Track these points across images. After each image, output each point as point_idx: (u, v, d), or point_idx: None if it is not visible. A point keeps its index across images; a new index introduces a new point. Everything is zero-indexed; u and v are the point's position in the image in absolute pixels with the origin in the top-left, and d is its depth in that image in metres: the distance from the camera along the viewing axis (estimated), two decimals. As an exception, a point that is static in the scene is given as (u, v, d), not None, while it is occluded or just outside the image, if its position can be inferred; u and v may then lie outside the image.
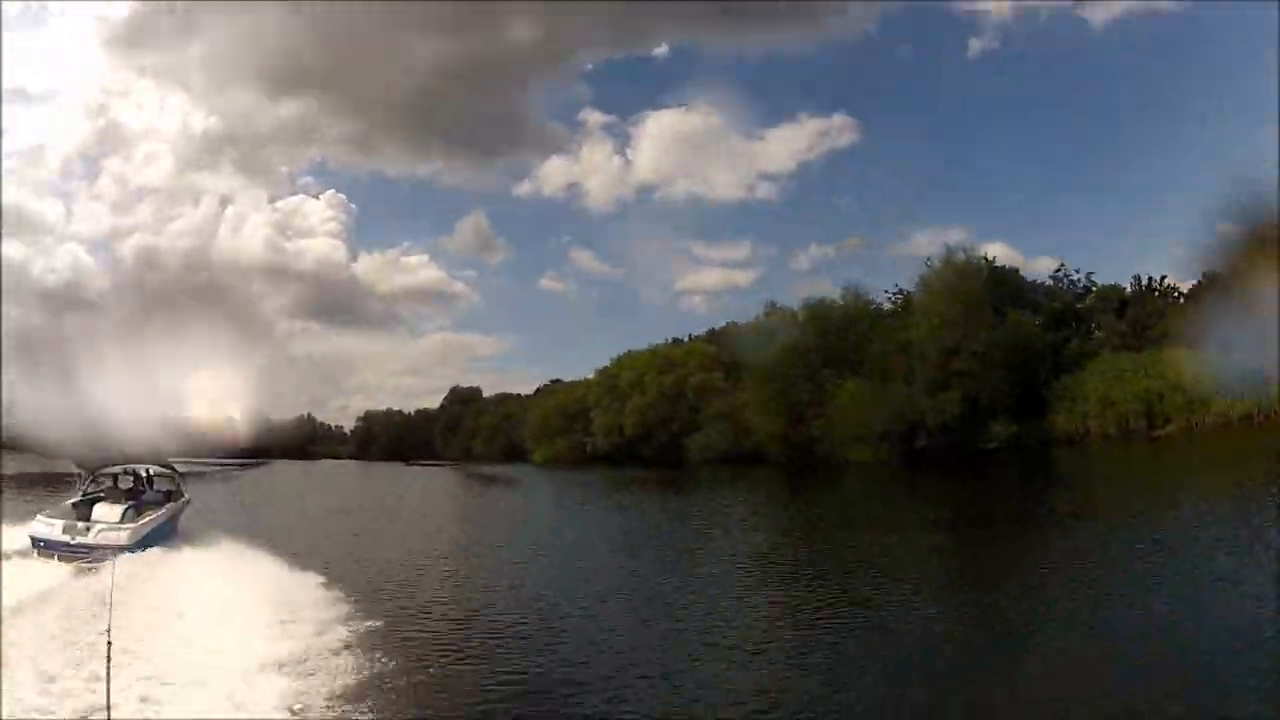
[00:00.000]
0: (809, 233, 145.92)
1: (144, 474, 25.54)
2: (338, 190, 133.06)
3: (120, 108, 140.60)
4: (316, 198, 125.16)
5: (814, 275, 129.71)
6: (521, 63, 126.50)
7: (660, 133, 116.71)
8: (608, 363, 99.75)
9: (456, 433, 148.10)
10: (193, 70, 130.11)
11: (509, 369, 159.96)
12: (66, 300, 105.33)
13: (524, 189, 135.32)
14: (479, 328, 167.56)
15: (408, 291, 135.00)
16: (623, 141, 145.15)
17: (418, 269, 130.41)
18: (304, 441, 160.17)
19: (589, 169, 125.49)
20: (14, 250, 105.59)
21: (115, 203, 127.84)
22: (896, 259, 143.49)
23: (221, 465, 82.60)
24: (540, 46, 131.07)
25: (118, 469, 25.23)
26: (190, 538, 24.29)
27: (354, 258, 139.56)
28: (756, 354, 74.29)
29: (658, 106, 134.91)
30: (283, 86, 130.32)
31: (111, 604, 9.59)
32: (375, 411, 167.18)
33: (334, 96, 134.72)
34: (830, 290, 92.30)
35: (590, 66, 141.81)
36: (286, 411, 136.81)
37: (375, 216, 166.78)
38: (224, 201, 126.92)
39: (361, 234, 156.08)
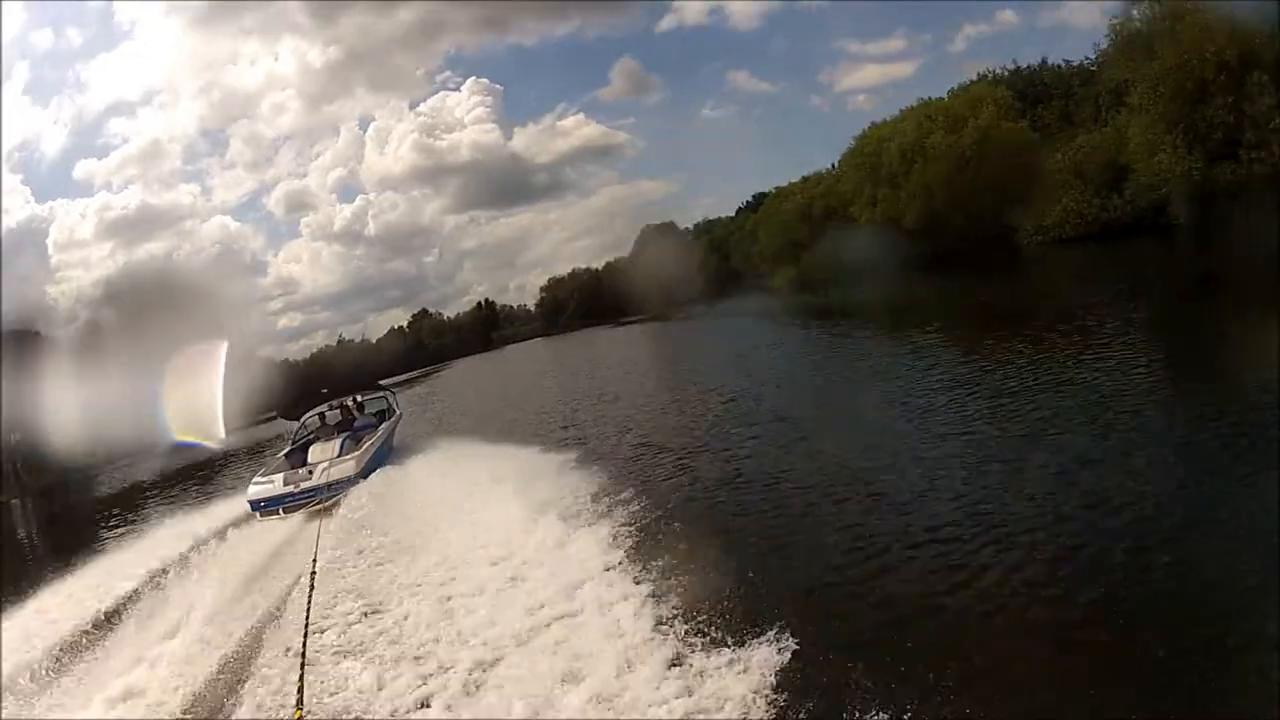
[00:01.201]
0: (959, 11, 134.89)
1: (351, 403, 25.53)
2: (478, 76, 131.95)
3: (232, 75, 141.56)
4: (458, 89, 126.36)
5: (975, 56, 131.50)
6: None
7: None
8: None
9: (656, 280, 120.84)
10: (295, 13, 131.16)
11: (686, 207, 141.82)
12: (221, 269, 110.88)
13: (667, 23, 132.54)
14: (647, 173, 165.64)
15: (569, 154, 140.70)
16: None
17: (575, 129, 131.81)
18: (485, 332, 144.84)
19: None
20: (155, 248, 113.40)
21: (252, 162, 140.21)
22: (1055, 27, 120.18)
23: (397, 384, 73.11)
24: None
25: (322, 407, 25.18)
26: (408, 450, 23.67)
27: (509, 136, 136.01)
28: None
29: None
30: None
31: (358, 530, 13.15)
32: (558, 276, 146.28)
33: None
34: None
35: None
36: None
37: (523, 90, 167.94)
38: (365, 122, 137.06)
39: (513, 110, 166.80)
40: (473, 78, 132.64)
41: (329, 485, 18.78)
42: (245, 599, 11.99)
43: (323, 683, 8.45)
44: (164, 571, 14.22)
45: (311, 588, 10.32)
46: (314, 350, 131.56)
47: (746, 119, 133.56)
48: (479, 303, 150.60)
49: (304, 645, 8.38)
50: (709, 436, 19.05)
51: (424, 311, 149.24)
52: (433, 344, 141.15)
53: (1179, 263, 33.57)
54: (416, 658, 8.71)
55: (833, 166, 79.42)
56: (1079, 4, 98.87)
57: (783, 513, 12.32)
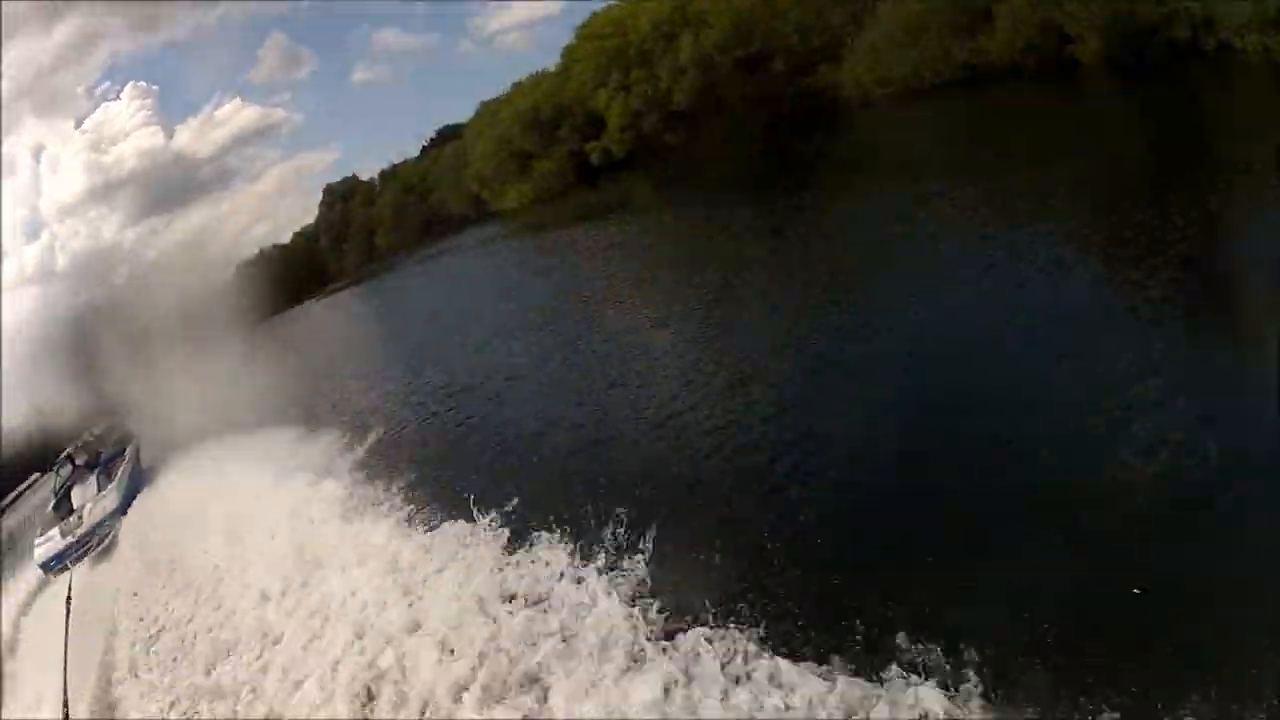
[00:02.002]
0: None
1: (90, 438, 26.05)
2: (136, 79, 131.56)
3: None
4: (118, 97, 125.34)
5: None
6: None
7: None
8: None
9: (349, 239, 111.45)
10: None
11: (357, 169, 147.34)
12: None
13: None
14: (310, 145, 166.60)
15: (230, 141, 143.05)
16: None
17: (233, 115, 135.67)
18: None
19: None
20: None
21: None
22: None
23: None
24: None
25: (68, 451, 25.40)
26: (161, 467, 23.77)
27: (170, 136, 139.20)
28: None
29: None
30: (49, 13, 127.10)
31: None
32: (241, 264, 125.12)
33: None
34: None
35: None
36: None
37: (181, 86, 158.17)
38: (38, 152, 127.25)
39: (175, 107, 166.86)
40: (130, 83, 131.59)
41: (99, 524, 18.81)
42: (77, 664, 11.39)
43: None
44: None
45: (66, 652, 10.62)
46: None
47: (400, 76, 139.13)
48: None
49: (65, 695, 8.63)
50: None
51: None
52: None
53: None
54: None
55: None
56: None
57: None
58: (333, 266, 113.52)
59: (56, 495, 22.90)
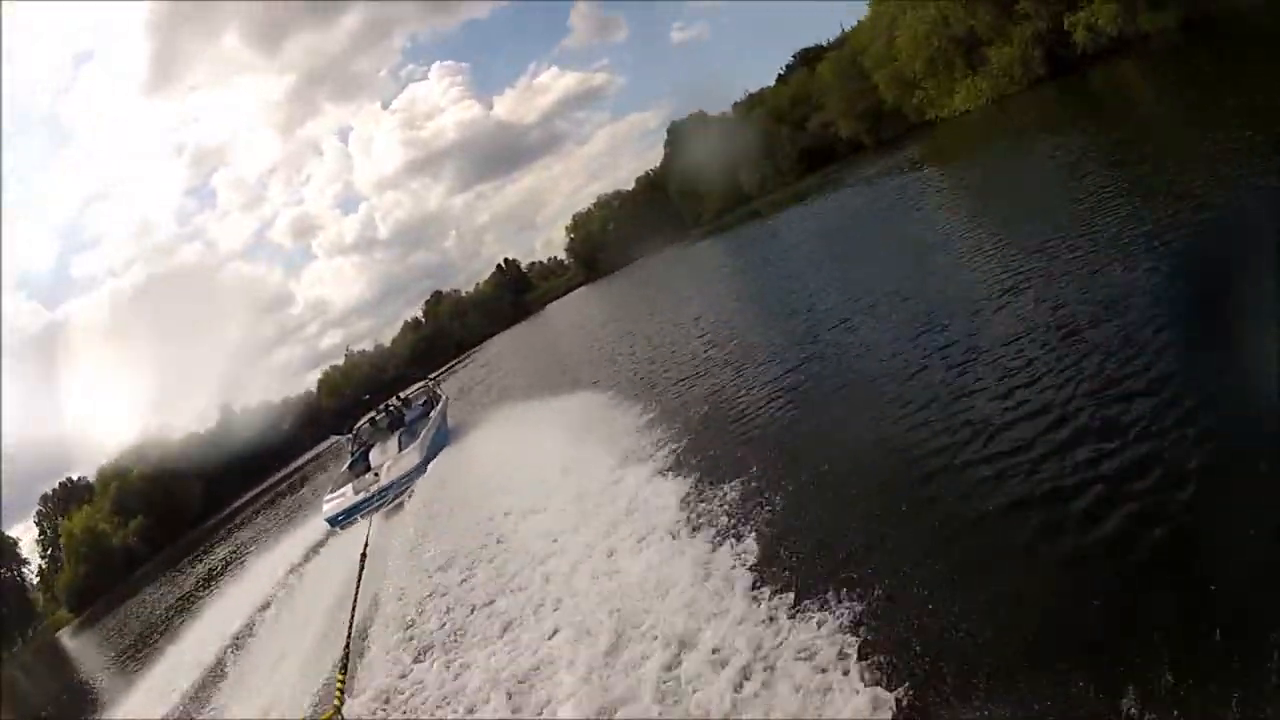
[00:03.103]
0: None
1: (397, 401, 26.22)
2: (441, 59, 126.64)
3: (198, 131, 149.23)
4: (425, 78, 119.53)
5: None
6: None
7: None
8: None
9: (704, 181, 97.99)
10: (239, 53, 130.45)
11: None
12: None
13: None
14: (637, 106, 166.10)
15: (554, 107, 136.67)
16: None
17: (552, 83, 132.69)
18: (514, 298, 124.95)
19: None
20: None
21: (244, 204, 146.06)
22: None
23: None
24: None
25: (371, 415, 25.59)
26: (466, 429, 24.33)
27: (489, 107, 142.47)
28: None
29: None
30: (329, 3, 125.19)
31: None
32: (582, 211, 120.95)
33: None
34: None
35: None
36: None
37: (490, 62, 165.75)
38: (344, 133, 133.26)
39: (486, 82, 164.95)
40: (437, 63, 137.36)
41: (396, 482, 19.04)
42: (339, 614, 11.18)
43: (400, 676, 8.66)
44: (266, 606, 14.80)
45: (357, 590, 10.51)
46: (322, 374, 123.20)
47: (719, 28, 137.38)
48: (498, 265, 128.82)
49: (346, 647, 8.22)
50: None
51: (436, 294, 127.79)
52: (456, 329, 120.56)
53: None
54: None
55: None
56: None
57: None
58: (689, 212, 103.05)
59: (354, 455, 22.99)
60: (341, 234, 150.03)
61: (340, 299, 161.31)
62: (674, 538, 8.69)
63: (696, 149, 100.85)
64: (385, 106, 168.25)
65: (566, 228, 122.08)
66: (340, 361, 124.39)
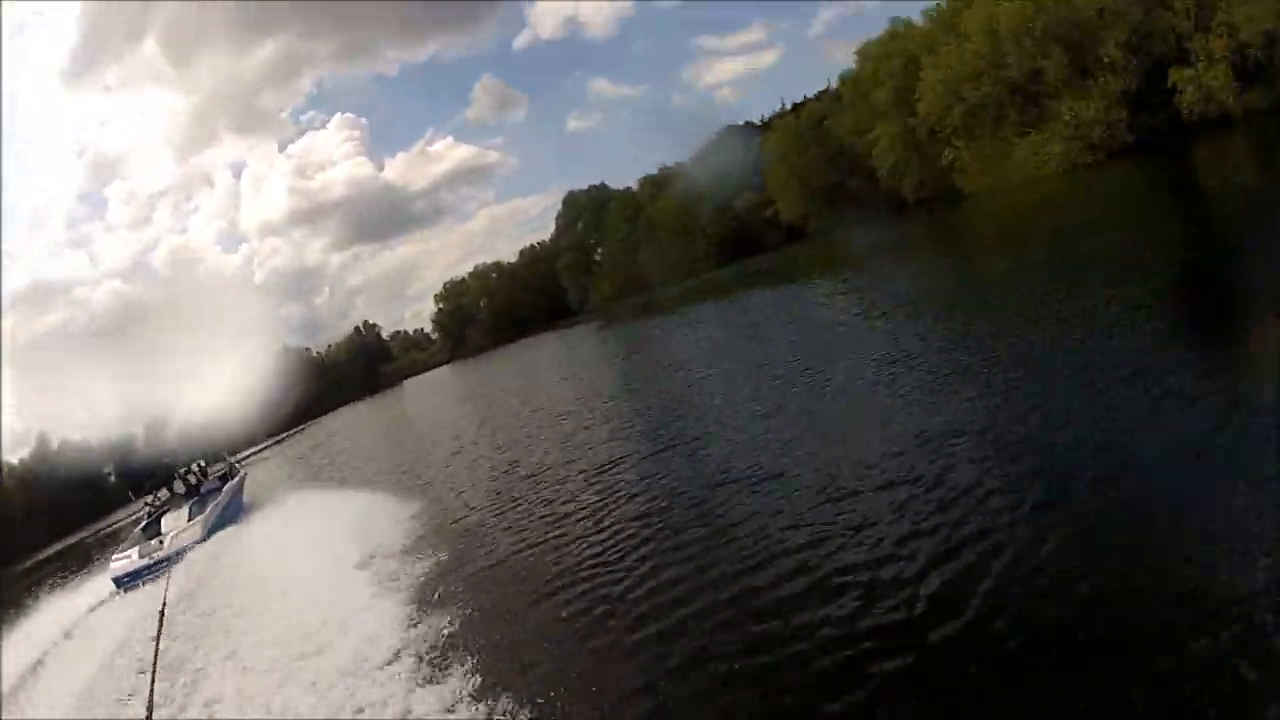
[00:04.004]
0: None
1: (195, 471, 26.04)
2: (343, 111, 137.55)
3: (100, 135, 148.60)
4: (325, 127, 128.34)
5: (837, 36, 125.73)
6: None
7: None
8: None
9: (593, 263, 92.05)
10: (155, 62, 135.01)
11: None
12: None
13: (524, 39, 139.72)
14: (521, 190, 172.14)
15: (444, 178, 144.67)
16: None
17: (446, 153, 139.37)
18: (369, 366, 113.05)
19: None
20: (54, 318, 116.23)
21: (133, 222, 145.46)
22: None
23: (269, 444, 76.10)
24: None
25: (168, 480, 25.92)
26: (260, 506, 24.81)
27: (380, 167, 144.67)
28: None
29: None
30: (253, 30, 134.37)
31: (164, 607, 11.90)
32: (456, 279, 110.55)
33: (307, 18, 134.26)
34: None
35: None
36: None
37: (390, 120, 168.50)
38: (237, 169, 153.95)
39: (382, 141, 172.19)
40: (339, 114, 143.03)
41: (178, 552, 19.24)
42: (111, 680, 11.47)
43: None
44: (40, 662, 14.44)
45: (156, 647, 10.55)
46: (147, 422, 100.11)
47: (613, 124, 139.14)
48: (356, 327, 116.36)
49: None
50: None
51: (284, 350, 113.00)
52: (299, 392, 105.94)
53: None
54: None
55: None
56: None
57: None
58: (575, 294, 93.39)
59: (149, 518, 23.17)
60: (219, 272, 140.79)
61: None
62: (354, 676, 8.65)
63: (591, 224, 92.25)
64: (281, 149, 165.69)
65: (436, 296, 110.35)
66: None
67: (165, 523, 21.94)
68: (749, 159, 69.35)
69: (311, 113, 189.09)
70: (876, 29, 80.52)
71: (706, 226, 73.45)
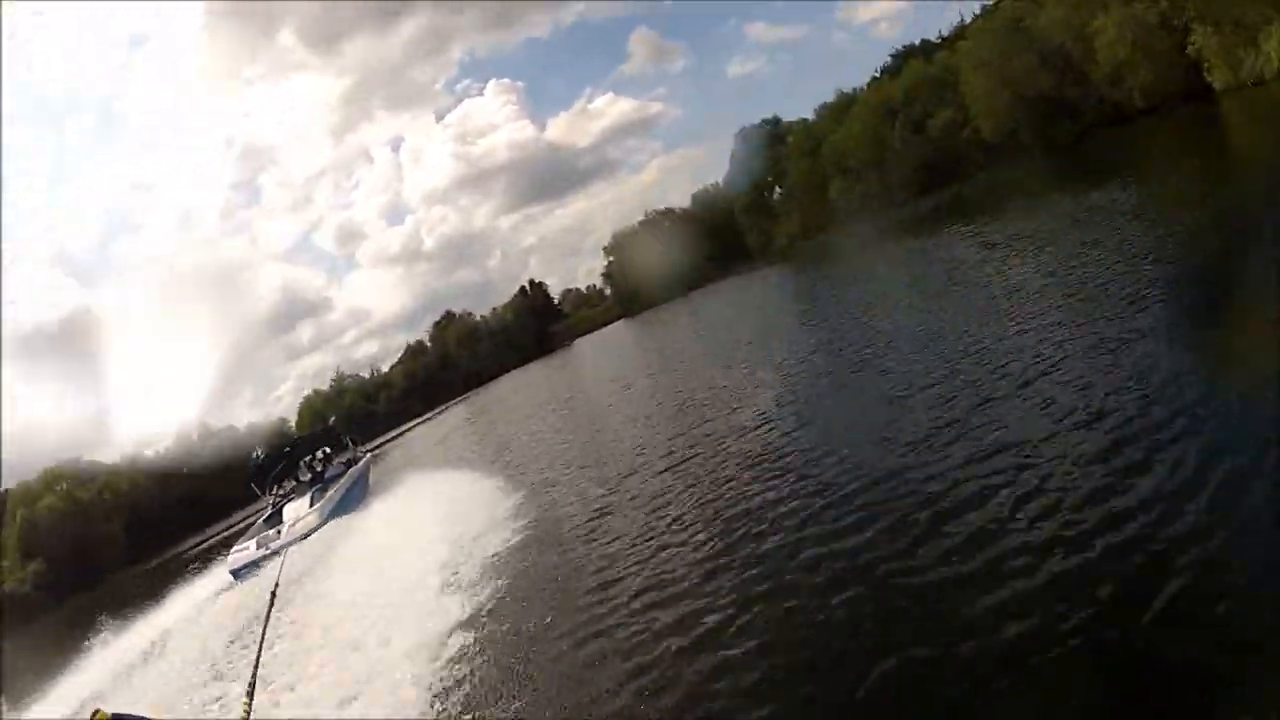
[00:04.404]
0: None
1: (321, 455, 27.11)
2: (498, 77, 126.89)
3: (248, 127, 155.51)
4: (481, 94, 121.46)
5: None
6: None
7: None
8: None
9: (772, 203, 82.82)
10: (296, 51, 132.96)
11: None
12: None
13: None
14: (690, 140, 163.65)
15: (608, 133, 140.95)
16: None
17: (608, 108, 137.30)
18: (538, 327, 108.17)
19: None
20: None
21: (291, 205, 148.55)
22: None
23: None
24: None
25: (297, 465, 26.68)
26: (382, 491, 24.59)
27: (543, 129, 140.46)
28: None
29: None
30: (391, 9, 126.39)
31: (273, 594, 10.75)
32: (626, 229, 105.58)
33: None
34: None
35: None
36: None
37: (546, 82, 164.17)
38: (396, 143, 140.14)
39: (541, 103, 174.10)
40: (493, 80, 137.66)
41: (294, 540, 19.44)
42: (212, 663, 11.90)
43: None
44: (154, 645, 15.01)
45: (265, 623, 9.58)
46: (303, 399, 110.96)
47: (776, 67, 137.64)
48: (521, 287, 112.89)
49: (253, 677, 7.34)
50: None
51: (448, 315, 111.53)
52: (464, 358, 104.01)
53: None
54: None
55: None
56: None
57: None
58: (757, 238, 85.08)
59: (274, 507, 23.44)
60: (386, 244, 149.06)
61: (380, 309, 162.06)
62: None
63: (771, 158, 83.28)
64: (439, 120, 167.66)
65: (605, 248, 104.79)
66: (325, 386, 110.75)
67: (287, 511, 22.01)
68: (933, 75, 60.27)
69: (466, 81, 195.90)
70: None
71: (900, 151, 63.04)
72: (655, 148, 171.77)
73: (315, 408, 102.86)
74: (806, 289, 39.27)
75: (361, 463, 26.44)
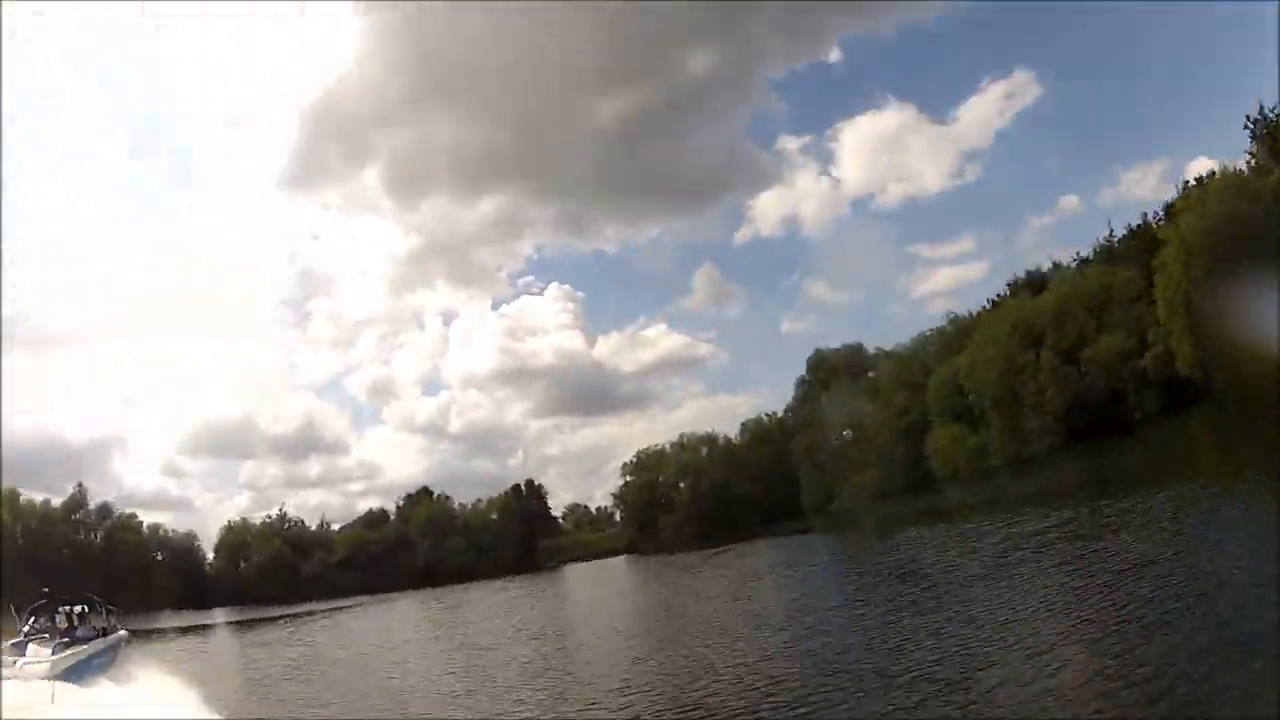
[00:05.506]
0: (1025, 203, 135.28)
1: (81, 610, 26.18)
2: (559, 281, 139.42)
3: (313, 248, 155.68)
4: (541, 294, 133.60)
5: (1039, 251, 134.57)
6: (706, 96, 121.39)
7: (858, 141, 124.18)
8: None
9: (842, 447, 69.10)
10: (375, 194, 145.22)
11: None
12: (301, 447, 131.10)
13: (744, 234, 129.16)
14: (729, 387, 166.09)
15: (653, 365, 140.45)
16: (825, 160, 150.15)
17: (658, 339, 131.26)
18: (524, 538, 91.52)
19: (800, 195, 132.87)
20: (237, 408, 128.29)
21: (334, 341, 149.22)
22: (1115, 205, 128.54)
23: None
24: (719, 77, 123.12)
25: (57, 609, 25.95)
26: (129, 677, 24.08)
27: (592, 344, 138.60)
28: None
29: (848, 114, 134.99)
30: (475, 185, 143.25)
31: None
32: (651, 449, 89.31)
33: (532, 182, 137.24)
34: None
35: (773, 85, 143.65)
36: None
37: (605, 296, 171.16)
38: (448, 317, 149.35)
39: (593, 317, 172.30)
40: (554, 283, 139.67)
41: (22, 680, 20.26)
42: None
43: None
44: None
45: None
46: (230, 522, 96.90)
47: (829, 330, 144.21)
48: (515, 485, 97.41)
49: None
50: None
51: (424, 492, 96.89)
52: (426, 548, 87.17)
53: None
54: None
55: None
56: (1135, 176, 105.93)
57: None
58: (815, 486, 68.17)
59: (24, 635, 23.36)
60: (415, 412, 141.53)
61: (392, 471, 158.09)
62: None
63: (844, 395, 67.86)
64: (495, 307, 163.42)
65: (625, 465, 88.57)
66: (269, 515, 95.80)
67: (30, 649, 22.25)
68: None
69: (530, 277, 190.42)
70: (1084, 239, 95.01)
71: (1045, 384, 47.04)
72: (695, 389, 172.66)
73: (236, 534, 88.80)
74: (881, 599, 24.53)
75: (115, 636, 25.66)
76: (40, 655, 22.10)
